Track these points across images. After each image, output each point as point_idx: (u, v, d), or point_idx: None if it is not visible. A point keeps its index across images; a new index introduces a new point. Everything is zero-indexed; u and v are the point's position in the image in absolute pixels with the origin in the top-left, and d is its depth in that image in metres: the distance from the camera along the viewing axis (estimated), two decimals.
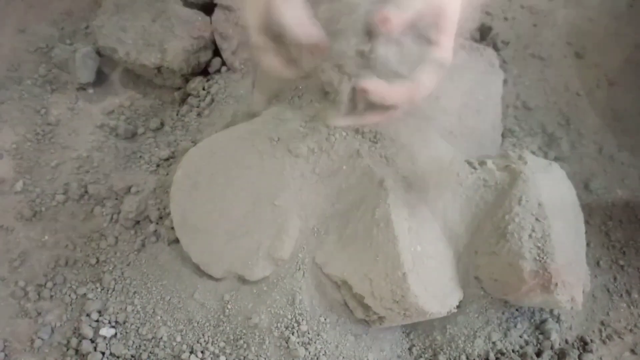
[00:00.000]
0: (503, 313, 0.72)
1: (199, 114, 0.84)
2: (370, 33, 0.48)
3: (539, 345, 0.72)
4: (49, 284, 0.72)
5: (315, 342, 0.67)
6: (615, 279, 0.80)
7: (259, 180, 0.69)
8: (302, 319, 0.68)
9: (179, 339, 0.68)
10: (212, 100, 0.84)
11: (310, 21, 0.50)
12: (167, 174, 0.79)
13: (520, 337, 0.72)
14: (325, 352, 0.67)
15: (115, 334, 0.68)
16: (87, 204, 0.78)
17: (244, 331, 0.68)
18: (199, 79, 0.87)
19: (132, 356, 0.67)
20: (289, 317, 0.68)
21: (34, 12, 0.95)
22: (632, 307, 0.78)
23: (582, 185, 0.86)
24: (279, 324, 0.68)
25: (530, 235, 0.67)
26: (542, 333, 0.73)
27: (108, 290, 0.72)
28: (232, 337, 0.68)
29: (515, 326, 0.72)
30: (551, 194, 0.70)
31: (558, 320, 0.74)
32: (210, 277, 0.71)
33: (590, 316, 0.77)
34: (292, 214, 0.69)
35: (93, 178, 0.80)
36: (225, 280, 0.71)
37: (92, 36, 0.88)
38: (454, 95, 0.78)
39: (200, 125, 0.83)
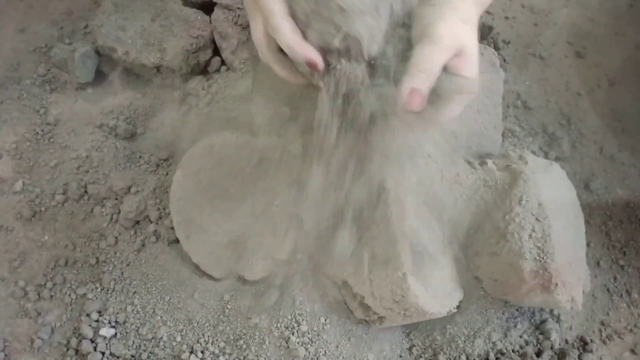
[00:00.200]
0: (503, 313, 0.72)
1: (198, 114, 0.84)
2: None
3: (539, 345, 0.72)
4: (49, 284, 0.72)
5: (315, 342, 0.67)
6: (615, 279, 0.80)
7: (259, 181, 0.69)
8: (302, 319, 0.68)
9: (179, 339, 0.68)
10: (212, 99, 0.84)
11: (302, 39, 0.51)
12: (167, 174, 0.79)
13: (520, 337, 0.72)
14: (325, 352, 0.67)
15: (115, 334, 0.68)
16: (86, 204, 0.78)
17: (244, 331, 0.68)
18: (198, 78, 0.86)
19: (132, 356, 0.67)
20: (289, 317, 0.68)
21: (34, 12, 0.94)
22: (632, 307, 0.78)
23: (582, 185, 0.86)
24: (278, 324, 0.68)
25: (530, 235, 0.67)
26: (542, 333, 0.73)
27: (108, 290, 0.72)
28: (232, 337, 0.68)
29: (515, 326, 0.72)
30: (551, 194, 0.70)
31: (558, 320, 0.74)
32: (210, 277, 0.71)
33: (590, 316, 0.77)
34: (291, 214, 0.69)
35: (93, 178, 0.80)
36: (225, 280, 0.71)
37: (92, 36, 0.88)
38: None
39: (200, 125, 0.83)
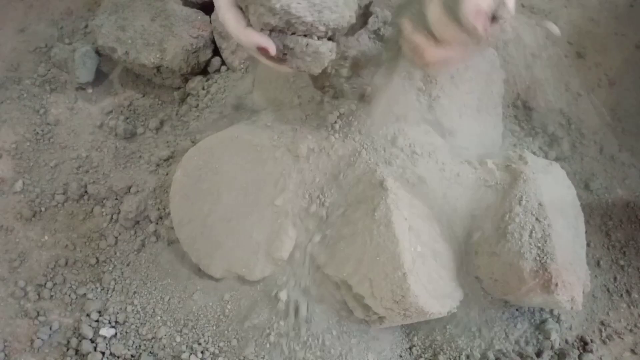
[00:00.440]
0: (503, 313, 0.72)
1: (198, 114, 0.84)
2: None
3: (539, 345, 0.72)
4: (49, 284, 0.72)
5: (314, 342, 0.67)
6: (615, 279, 0.80)
7: (259, 180, 0.69)
8: (302, 319, 0.68)
9: (178, 339, 0.68)
10: (212, 99, 0.84)
11: (247, 27, 0.49)
12: (167, 174, 0.79)
13: (520, 337, 0.72)
14: (325, 352, 0.67)
15: (115, 334, 0.68)
16: (86, 204, 0.78)
17: (244, 331, 0.68)
18: (198, 78, 0.86)
19: (132, 356, 0.67)
20: (289, 317, 0.68)
21: (34, 12, 0.94)
22: (632, 307, 0.78)
23: (582, 185, 0.86)
24: (278, 324, 0.67)
25: (530, 235, 0.67)
26: (542, 333, 0.73)
27: (108, 290, 0.72)
28: (232, 337, 0.68)
29: (515, 326, 0.72)
30: (551, 194, 0.70)
31: (558, 320, 0.74)
32: (210, 277, 0.71)
33: (590, 316, 0.77)
34: (291, 214, 0.69)
35: (92, 178, 0.80)
36: (225, 280, 0.71)
37: (91, 36, 0.88)
38: (454, 95, 0.78)
39: (200, 125, 0.83)
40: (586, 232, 0.73)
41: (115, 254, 0.74)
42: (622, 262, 0.81)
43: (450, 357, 0.70)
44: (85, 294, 0.71)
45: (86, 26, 0.93)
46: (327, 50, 0.53)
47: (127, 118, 0.85)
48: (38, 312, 0.70)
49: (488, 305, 0.72)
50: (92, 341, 0.67)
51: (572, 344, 0.74)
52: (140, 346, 0.68)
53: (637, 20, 1.00)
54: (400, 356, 0.72)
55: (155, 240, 0.75)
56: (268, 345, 0.67)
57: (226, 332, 0.68)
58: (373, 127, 0.71)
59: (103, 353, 0.67)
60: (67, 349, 0.67)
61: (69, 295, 0.71)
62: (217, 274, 0.70)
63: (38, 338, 0.68)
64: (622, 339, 0.75)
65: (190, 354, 0.66)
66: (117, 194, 0.78)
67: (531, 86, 0.93)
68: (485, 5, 0.45)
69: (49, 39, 0.91)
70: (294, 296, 0.69)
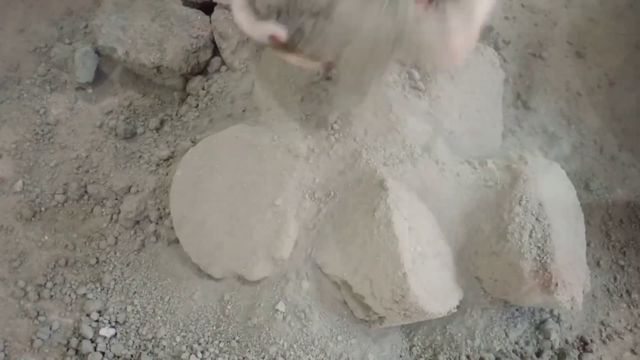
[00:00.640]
0: (503, 313, 0.72)
1: (198, 114, 0.84)
2: None
3: (539, 345, 0.72)
4: (49, 284, 0.72)
5: (314, 342, 0.67)
6: (615, 279, 0.80)
7: (259, 180, 0.69)
8: (302, 319, 0.68)
9: (178, 339, 0.68)
10: (212, 99, 0.84)
11: (256, 21, 0.52)
12: (167, 174, 0.79)
13: (520, 337, 0.73)
14: (324, 352, 0.67)
15: (115, 334, 0.68)
16: (86, 204, 0.78)
17: (244, 331, 0.68)
18: (198, 78, 0.86)
19: (132, 356, 0.67)
20: (289, 317, 0.68)
21: (34, 12, 0.94)
22: (632, 307, 0.78)
23: (582, 185, 0.86)
24: (278, 324, 0.67)
25: (530, 235, 0.67)
26: (542, 333, 0.73)
27: (108, 290, 0.72)
28: (232, 337, 0.68)
29: (515, 326, 0.72)
30: (551, 194, 0.70)
31: (558, 320, 0.74)
32: (210, 277, 0.71)
33: (590, 316, 0.77)
34: (291, 214, 0.69)
35: (92, 178, 0.80)
36: (225, 280, 0.71)
37: (92, 36, 0.88)
38: (454, 95, 0.78)
39: (200, 125, 0.83)
40: (586, 232, 0.73)
41: (115, 254, 0.74)
42: (622, 262, 0.81)
43: (450, 357, 0.70)
44: (85, 294, 0.71)
45: (86, 26, 0.93)
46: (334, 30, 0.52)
47: (127, 118, 0.85)
48: (38, 312, 0.70)
49: (488, 305, 0.72)
50: (92, 341, 0.67)
51: (572, 344, 0.74)
52: (140, 346, 0.68)
53: (637, 20, 1.00)
54: (400, 356, 0.72)
55: (155, 240, 0.75)
56: (268, 345, 0.67)
57: (226, 332, 0.68)
58: (373, 127, 0.71)
59: (103, 353, 0.67)
60: (67, 349, 0.67)
61: (69, 295, 0.71)
62: (217, 274, 0.70)
63: (38, 338, 0.68)
64: (622, 339, 0.75)
65: (190, 354, 0.66)
66: (117, 194, 0.78)
67: (531, 86, 0.93)
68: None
69: (49, 39, 0.91)
70: (294, 296, 0.69)
